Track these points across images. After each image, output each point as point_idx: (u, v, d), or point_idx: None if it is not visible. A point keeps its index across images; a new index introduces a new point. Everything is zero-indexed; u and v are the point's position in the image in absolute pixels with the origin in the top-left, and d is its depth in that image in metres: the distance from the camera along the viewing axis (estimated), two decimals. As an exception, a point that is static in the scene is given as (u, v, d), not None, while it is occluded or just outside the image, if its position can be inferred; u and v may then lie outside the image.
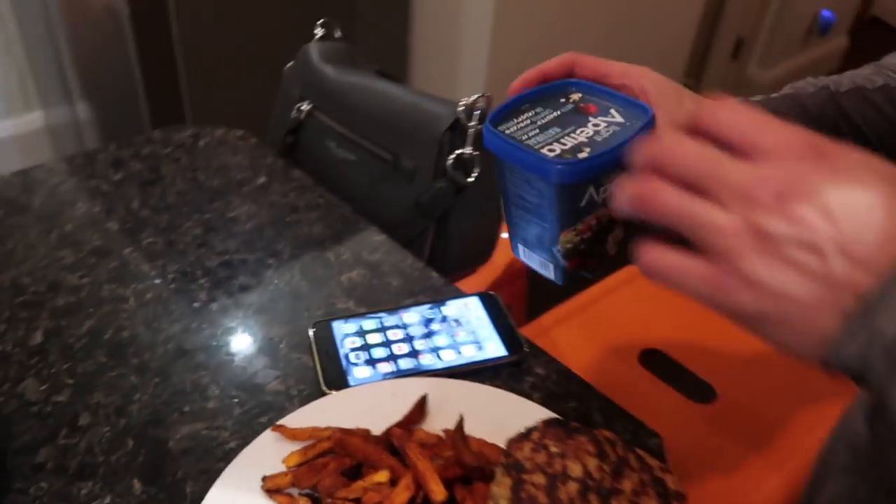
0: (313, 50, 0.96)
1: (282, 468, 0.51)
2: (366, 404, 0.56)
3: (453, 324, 0.67)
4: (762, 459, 0.79)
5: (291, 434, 0.53)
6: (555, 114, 0.46)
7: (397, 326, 0.66)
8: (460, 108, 0.79)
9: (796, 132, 0.31)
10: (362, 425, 0.54)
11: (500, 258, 0.96)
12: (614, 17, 2.01)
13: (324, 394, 0.59)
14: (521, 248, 0.49)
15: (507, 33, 1.79)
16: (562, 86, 0.49)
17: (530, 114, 0.46)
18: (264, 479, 0.50)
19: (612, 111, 0.46)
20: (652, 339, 0.93)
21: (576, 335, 0.95)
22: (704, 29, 2.63)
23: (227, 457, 0.54)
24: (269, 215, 0.83)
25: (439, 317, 0.68)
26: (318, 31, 0.98)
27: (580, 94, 0.48)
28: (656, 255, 0.33)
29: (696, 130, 0.33)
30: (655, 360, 0.90)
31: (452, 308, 0.69)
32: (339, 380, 0.61)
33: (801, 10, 2.80)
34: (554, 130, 0.44)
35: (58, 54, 1.72)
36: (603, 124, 0.45)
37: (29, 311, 0.68)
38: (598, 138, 0.43)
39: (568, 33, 1.92)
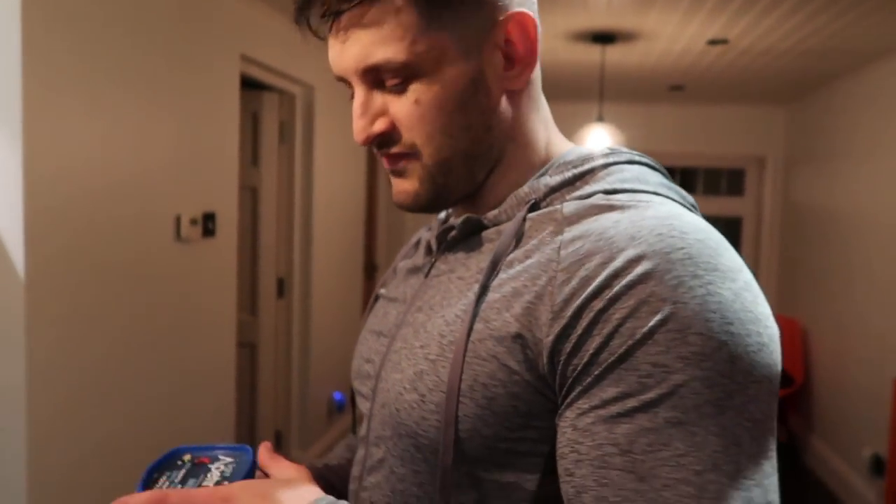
0: None
1: None
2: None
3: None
4: None
5: None
6: (182, 472, 0.59)
7: None
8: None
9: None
10: None
11: None
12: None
13: None
14: None
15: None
16: (173, 454, 0.61)
17: (164, 478, 0.58)
18: None
19: (221, 456, 0.61)
20: None
21: None
22: (242, 425, 2.90)
23: None
24: None
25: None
26: None
27: (189, 455, 0.62)
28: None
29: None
30: None
31: None
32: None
33: (317, 396, 3.35)
34: (191, 482, 0.57)
35: None
36: (223, 466, 0.59)
37: None
38: (228, 473, 0.58)
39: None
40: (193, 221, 2.21)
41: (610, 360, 0.49)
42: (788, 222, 4.41)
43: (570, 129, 3.53)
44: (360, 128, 0.58)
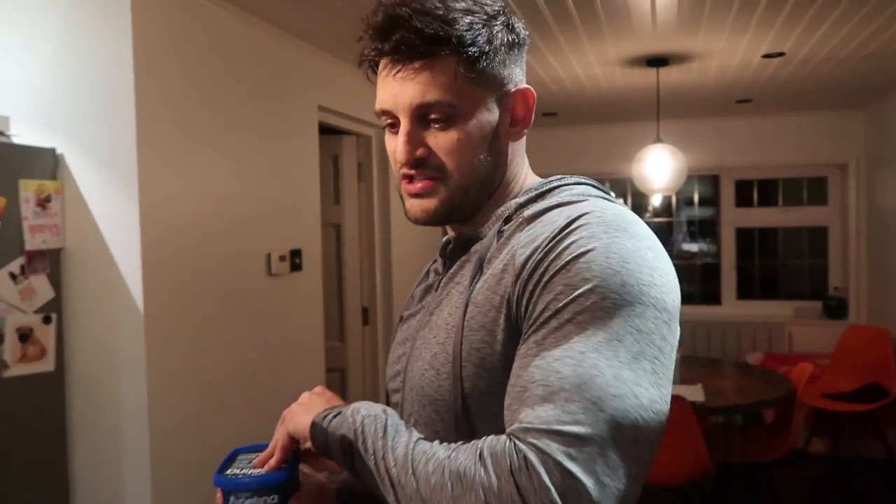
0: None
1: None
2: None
3: None
4: None
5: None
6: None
7: None
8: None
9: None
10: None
11: None
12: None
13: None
14: None
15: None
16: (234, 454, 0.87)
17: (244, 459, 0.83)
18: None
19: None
20: None
21: None
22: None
23: None
24: None
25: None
26: None
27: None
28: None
29: None
30: None
31: None
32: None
33: (403, 418, 3.52)
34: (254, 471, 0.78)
35: None
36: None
37: None
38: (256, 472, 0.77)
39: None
40: (282, 258, 2.47)
41: (539, 292, 0.67)
42: (875, 228, 4.27)
43: (629, 150, 3.61)
44: (408, 150, 0.76)
